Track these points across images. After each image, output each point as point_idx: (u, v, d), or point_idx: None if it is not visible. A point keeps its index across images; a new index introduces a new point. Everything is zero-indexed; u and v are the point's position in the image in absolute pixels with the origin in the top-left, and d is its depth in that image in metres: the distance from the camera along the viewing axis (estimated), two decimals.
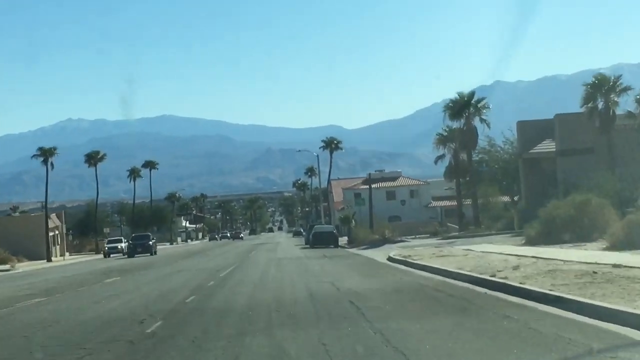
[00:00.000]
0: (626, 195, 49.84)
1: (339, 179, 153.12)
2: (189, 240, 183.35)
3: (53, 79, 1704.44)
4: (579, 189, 47.71)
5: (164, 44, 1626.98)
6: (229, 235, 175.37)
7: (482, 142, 78.61)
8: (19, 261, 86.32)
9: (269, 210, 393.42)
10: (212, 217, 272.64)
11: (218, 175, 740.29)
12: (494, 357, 11.18)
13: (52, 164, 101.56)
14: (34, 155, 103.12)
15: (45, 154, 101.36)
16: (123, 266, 54.73)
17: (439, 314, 15.76)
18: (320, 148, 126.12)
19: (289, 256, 52.87)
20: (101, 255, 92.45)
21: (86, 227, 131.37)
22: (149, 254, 76.42)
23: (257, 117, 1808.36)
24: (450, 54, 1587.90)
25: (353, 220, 79.58)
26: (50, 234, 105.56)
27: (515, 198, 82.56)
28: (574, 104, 63.47)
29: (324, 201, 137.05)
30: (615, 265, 22.17)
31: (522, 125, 67.11)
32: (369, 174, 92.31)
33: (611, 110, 57.90)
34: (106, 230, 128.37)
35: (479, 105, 72.13)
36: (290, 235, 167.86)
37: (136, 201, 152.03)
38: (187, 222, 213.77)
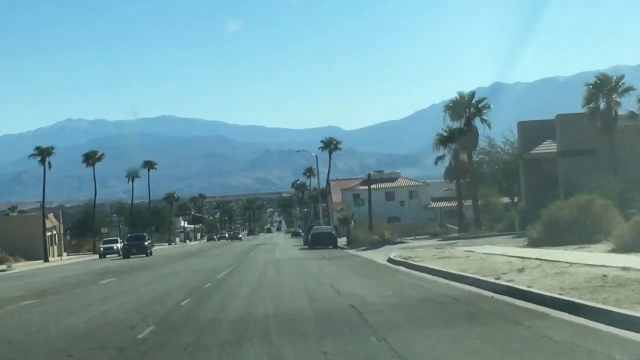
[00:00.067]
0: (628, 196, 49.22)
1: (337, 179, 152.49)
2: (187, 241, 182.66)
3: (52, 79, 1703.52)
4: (581, 190, 47.17)
5: (163, 44, 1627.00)
6: (227, 235, 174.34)
7: (482, 142, 78.07)
8: (16, 261, 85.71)
9: (268, 211, 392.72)
10: (210, 218, 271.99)
11: (217, 176, 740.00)
12: None
13: (49, 163, 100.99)
14: (31, 155, 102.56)
15: (43, 153, 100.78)
16: (119, 267, 54.00)
17: (445, 319, 15.01)
18: (319, 148, 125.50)
19: (288, 257, 52.16)
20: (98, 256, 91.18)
21: (84, 227, 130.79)
22: (144, 255, 74.88)
23: (255, 117, 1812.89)
24: (449, 55, 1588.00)
25: (352, 221, 78.85)
26: (48, 233, 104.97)
27: (515, 199, 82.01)
28: (572, 106, 63.20)
29: (323, 202, 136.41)
30: (624, 269, 21.49)
31: (523, 126, 66.50)
32: (369, 173, 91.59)
33: (613, 111, 57.49)
34: (104, 230, 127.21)
35: (479, 106, 71.53)
36: (289, 236, 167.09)
37: (135, 201, 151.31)
38: (186, 222, 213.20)
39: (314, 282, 26.68)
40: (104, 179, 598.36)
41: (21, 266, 78.90)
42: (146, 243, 78.97)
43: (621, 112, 57.77)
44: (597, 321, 13.51)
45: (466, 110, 71.05)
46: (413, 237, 72.50)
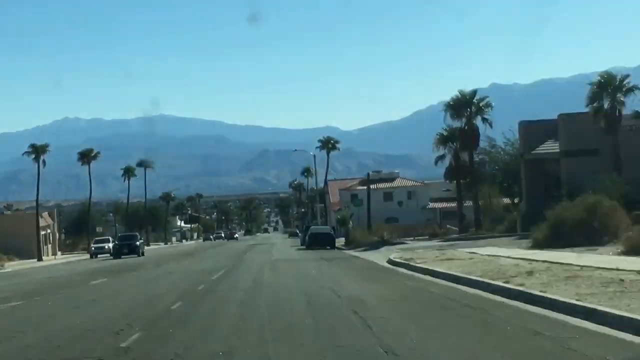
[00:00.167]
0: (633, 197, 48.08)
1: (335, 179, 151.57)
2: (183, 240, 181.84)
3: (50, 77, 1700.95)
4: (584, 191, 46.06)
5: (161, 43, 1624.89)
6: (223, 235, 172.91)
7: (482, 142, 76.79)
8: (9, 260, 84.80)
9: (265, 211, 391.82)
10: (207, 218, 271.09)
11: (214, 176, 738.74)
12: None
13: (44, 161, 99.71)
14: (25, 153, 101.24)
15: (37, 151, 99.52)
16: (113, 267, 52.76)
17: (456, 327, 13.76)
18: (316, 148, 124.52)
19: (285, 258, 50.94)
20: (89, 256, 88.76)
21: (80, 226, 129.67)
22: (135, 255, 72.18)
23: (253, 117, 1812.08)
24: (447, 56, 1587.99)
25: (350, 222, 77.70)
26: (42, 232, 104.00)
27: (516, 200, 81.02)
28: (570, 108, 62.55)
29: (321, 202, 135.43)
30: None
31: (524, 126, 65.32)
32: (368, 173, 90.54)
33: (617, 110, 56.30)
34: (99, 229, 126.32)
35: (480, 105, 70.27)
36: (286, 236, 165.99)
37: (132, 201, 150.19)
38: (182, 222, 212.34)
39: (313, 285, 25.38)
40: (102, 178, 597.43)
41: (14, 265, 78.04)
42: (138, 243, 76.38)
43: (625, 111, 56.68)
44: (622, 330, 12.38)
45: (467, 109, 69.79)
46: (412, 238, 71.35)
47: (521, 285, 19.57)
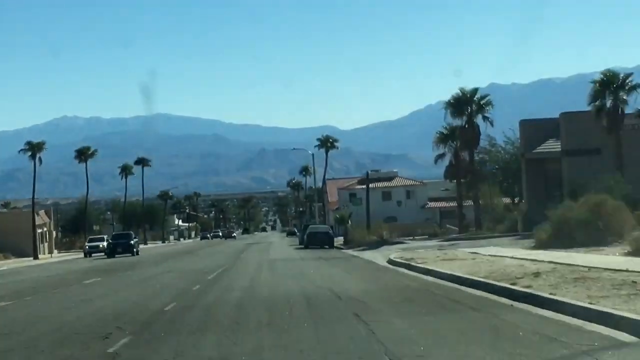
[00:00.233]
0: (636, 197, 47.33)
1: (334, 178, 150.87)
2: (181, 239, 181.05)
3: (48, 75, 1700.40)
4: (586, 190, 45.34)
5: (159, 42, 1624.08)
6: (220, 234, 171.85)
7: (482, 141, 76.05)
8: (5, 258, 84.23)
9: (263, 209, 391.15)
10: (205, 216, 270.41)
11: (212, 175, 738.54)
12: None
13: (40, 158, 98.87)
14: (21, 150, 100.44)
15: (33, 148, 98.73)
16: (107, 266, 51.92)
17: (464, 332, 12.92)
18: (315, 147, 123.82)
19: (283, 257, 50.12)
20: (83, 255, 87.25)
21: (78, 225, 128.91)
22: (130, 255, 70.47)
23: (251, 116, 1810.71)
24: (446, 55, 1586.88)
25: (349, 221, 76.90)
26: (39, 230, 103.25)
27: (516, 199, 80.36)
28: (568, 107, 61.85)
29: (319, 201, 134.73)
30: None
31: (525, 125, 64.63)
32: (367, 172, 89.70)
33: (620, 109, 55.57)
34: (96, 227, 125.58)
35: (481, 103, 69.41)
36: (284, 235, 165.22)
37: (131, 199, 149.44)
38: (180, 220, 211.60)
39: (312, 285, 24.52)
40: (100, 177, 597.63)
41: (10, 263, 77.37)
42: (132, 242, 74.34)
43: (628, 110, 55.98)
44: None
45: (468, 107, 68.94)
46: (411, 238, 70.57)
47: (528, 287, 18.81)
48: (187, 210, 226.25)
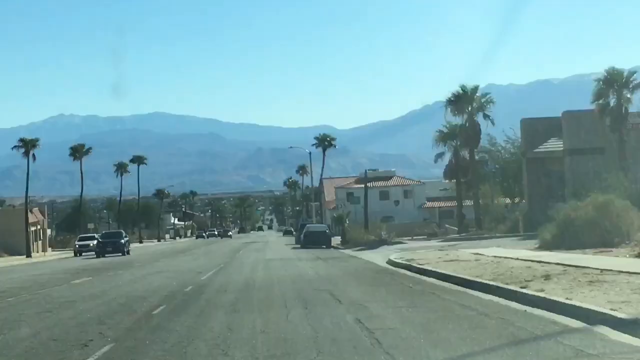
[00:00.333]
0: (637, 197, 46.20)
1: (331, 177, 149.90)
2: (177, 238, 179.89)
3: (45, 73, 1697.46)
4: (589, 190, 44.24)
5: (157, 41, 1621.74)
6: (216, 233, 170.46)
7: (482, 140, 74.88)
8: None
9: (260, 209, 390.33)
10: (201, 215, 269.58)
11: (209, 174, 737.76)
12: None
13: (33, 155, 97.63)
14: (14, 147, 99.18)
15: (27, 145, 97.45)
16: (100, 265, 50.58)
17: (480, 342, 11.59)
18: (313, 145, 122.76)
19: (279, 257, 48.89)
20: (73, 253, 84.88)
21: (73, 223, 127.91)
22: (120, 254, 68.12)
23: (248, 116, 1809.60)
24: (444, 56, 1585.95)
25: (347, 220, 75.72)
26: (32, 228, 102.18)
27: (516, 199, 79.35)
28: (566, 108, 61.20)
29: (316, 200, 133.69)
30: None
31: (527, 123, 63.54)
32: (365, 171, 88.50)
33: (624, 108, 54.63)
34: (90, 225, 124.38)
35: (482, 101, 68.27)
36: (281, 234, 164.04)
37: (127, 198, 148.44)
38: (176, 219, 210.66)
39: (310, 287, 23.23)
40: (97, 175, 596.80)
41: (1, 262, 75.98)
42: (123, 241, 71.66)
43: (632, 109, 54.99)
44: None
45: (468, 105, 67.76)
46: (410, 238, 69.45)
47: (541, 290, 17.61)
48: (184, 209, 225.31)
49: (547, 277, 20.85)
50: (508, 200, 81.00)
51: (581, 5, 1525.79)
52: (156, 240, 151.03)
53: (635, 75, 55.53)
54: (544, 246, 36.74)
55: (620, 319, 12.83)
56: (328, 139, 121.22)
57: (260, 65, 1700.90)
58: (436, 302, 17.92)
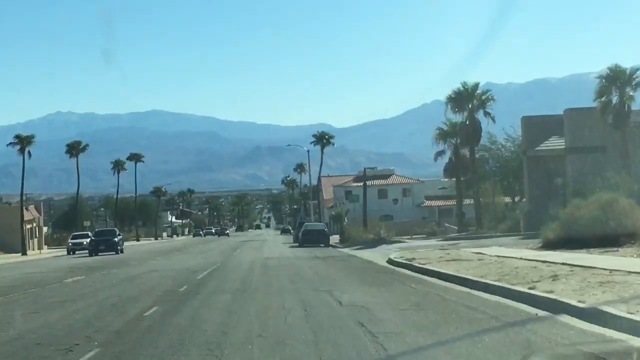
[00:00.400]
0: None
1: (329, 176, 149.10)
2: (174, 236, 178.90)
3: (43, 70, 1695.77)
4: (590, 189, 43.53)
5: (155, 38, 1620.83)
6: (213, 231, 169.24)
7: (482, 138, 74.03)
8: None
9: (257, 207, 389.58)
10: (199, 213, 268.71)
11: (207, 172, 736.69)
12: None
13: (29, 152, 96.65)
14: (10, 144, 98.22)
15: (22, 142, 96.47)
16: (94, 263, 49.73)
17: (494, 350, 10.77)
18: (311, 143, 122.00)
19: (277, 256, 48.07)
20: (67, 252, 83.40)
21: (70, 221, 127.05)
22: (113, 253, 66.46)
23: (246, 114, 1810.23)
24: (441, 54, 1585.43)
25: (345, 218, 74.92)
26: (28, 226, 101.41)
27: (516, 198, 78.61)
28: (563, 107, 60.47)
29: (314, 199, 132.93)
30: None
31: (527, 121, 62.75)
32: (364, 169, 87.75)
33: (626, 106, 53.83)
34: (86, 223, 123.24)
35: (483, 98, 67.40)
36: (278, 232, 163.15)
37: (125, 196, 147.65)
38: (174, 217, 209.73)
39: (309, 288, 22.37)
40: (95, 173, 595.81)
41: None
42: (116, 239, 69.67)
43: (635, 107, 54.26)
44: None
45: (469, 102, 66.90)
46: (409, 237, 68.74)
47: (550, 292, 16.83)
48: (181, 207, 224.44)
49: (554, 277, 20.11)
50: (508, 199, 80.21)
51: (578, 5, 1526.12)
52: (153, 239, 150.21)
53: (638, 72, 54.69)
54: (547, 245, 35.94)
55: None
56: (326, 136, 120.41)
57: (259, 64, 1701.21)
58: (441, 303, 17.11)
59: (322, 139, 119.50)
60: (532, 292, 17.35)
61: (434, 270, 26.38)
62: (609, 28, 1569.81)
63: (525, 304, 16.25)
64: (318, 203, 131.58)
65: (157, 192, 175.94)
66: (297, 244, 68.99)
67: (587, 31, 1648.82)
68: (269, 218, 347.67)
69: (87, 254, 67.67)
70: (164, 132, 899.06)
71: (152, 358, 11.44)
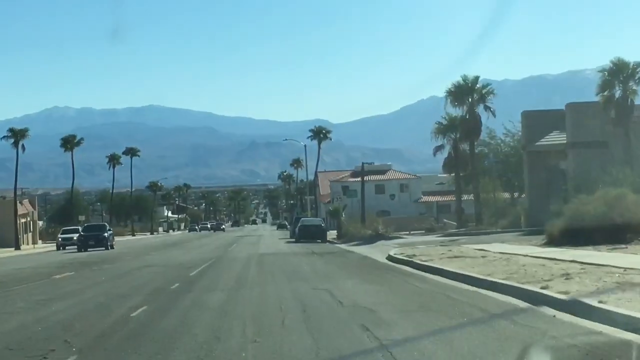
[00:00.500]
0: None
1: (326, 171, 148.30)
2: (170, 231, 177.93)
3: (40, 65, 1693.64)
4: (592, 185, 42.60)
5: (152, 34, 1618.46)
6: (209, 226, 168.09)
7: (482, 133, 72.98)
8: None
9: (254, 202, 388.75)
10: (195, 208, 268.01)
11: (203, 167, 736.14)
12: None
13: (23, 146, 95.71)
14: (3, 137, 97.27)
15: (16, 135, 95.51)
16: (86, 258, 48.60)
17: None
18: (308, 138, 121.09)
19: (273, 251, 46.98)
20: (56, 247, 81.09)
21: (65, 215, 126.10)
22: (103, 248, 64.42)
23: (243, 109, 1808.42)
24: (438, 51, 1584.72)
25: (343, 214, 73.80)
26: (22, 220, 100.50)
27: (516, 194, 77.70)
28: (560, 103, 59.45)
29: (310, 194, 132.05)
30: None
31: (528, 116, 61.75)
32: (362, 163, 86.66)
33: (629, 100, 52.86)
34: (81, 218, 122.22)
35: (483, 92, 66.29)
36: (274, 228, 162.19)
37: (121, 190, 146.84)
38: (170, 212, 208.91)
39: (307, 286, 21.18)
40: (92, 168, 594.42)
41: None
42: (106, 234, 67.68)
43: (637, 101, 53.29)
44: None
45: (469, 96, 65.78)
46: (407, 232, 67.66)
47: (565, 292, 15.71)
48: (177, 202, 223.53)
49: (566, 276, 19.02)
50: (507, 195, 79.24)
51: (575, 1, 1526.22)
52: (149, 233, 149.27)
53: None
54: (551, 242, 34.87)
55: None
56: (324, 131, 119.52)
57: (256, 59, 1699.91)
58: (449, 304, 15.94)
59: (320, 133, 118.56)
60: (545, 292, 16.25)
61: (437, 268, 25.31)
62: (606, 25, 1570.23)
63: (539, 304, 15.15)
64: (315, 198, 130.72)
65: (153, 186, 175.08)
66: (293, 240, 67.95)
67: (584, 28, 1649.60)
68: (265, 213, 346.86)
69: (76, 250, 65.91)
70: (161, 127, 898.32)
71: None
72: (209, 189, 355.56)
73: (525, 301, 16.02)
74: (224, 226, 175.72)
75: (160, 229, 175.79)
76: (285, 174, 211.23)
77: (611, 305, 13.42)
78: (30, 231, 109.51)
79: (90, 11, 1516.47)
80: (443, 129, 72.61)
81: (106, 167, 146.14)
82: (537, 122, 59.79)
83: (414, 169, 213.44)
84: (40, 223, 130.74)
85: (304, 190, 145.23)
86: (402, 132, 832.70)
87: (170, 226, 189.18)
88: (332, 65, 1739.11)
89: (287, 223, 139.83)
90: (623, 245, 30.03)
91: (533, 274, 20.26)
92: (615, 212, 34.43)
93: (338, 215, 73.46)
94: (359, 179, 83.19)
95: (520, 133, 67.75)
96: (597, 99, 53.96)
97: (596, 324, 12.51)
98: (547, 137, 58.36)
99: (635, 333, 11.33)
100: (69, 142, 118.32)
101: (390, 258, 33.99)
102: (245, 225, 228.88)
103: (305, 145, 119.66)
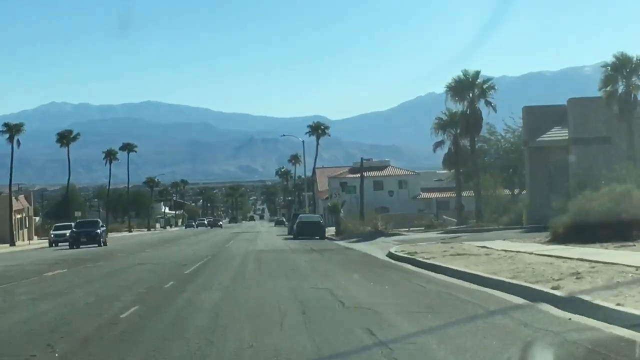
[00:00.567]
0: None
1: (324, 167, 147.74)
2: (168, 227, 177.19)
3: (37, 61, 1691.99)
4: (595, 181, 41.90)
5: (151, 30, 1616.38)
6: (206, 222, 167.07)
7: (482, 129, 72.21)
8: None
9: (251, 198, 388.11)
10: (193, 204, 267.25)
11: (201, 163, 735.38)
12: None
13: (18, 141, 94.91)
14: None
15: (11, 130, 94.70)
16: (80, 255, 47.78)
17: None
18: (306, 134, 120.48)
19: (271, 248, 46.20)
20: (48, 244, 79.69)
21: (62, 211, 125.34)
22: (95, 245, 63.06)
23: (240, 105, 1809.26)
24: (436, 48, 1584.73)
25: (341, 210, 73.00)
26: (18, 216, 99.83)
27: (516, 191, 77.02)
28: (558, 100, 59.06)
29: (308, 190, 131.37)
30: None
31: (529, 112, 61.06)
32: (362, 159, 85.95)
33: (632, 95, 52.24)
34: (77, 214, 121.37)
35: (484, 87, 65.50)
36: (272, 224, 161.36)
37: (118, 186, 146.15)
38: (167, 208, 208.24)
39: (307, 285, 20.36)
40: (89, 164, 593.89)
41: None
42: (99, 231, 66.01)
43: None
44: None
45: (470, 91, 64.98)
46: (407, 229, 66.85)
47: (580, 293, 14.91)
48: (174, 198, 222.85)
49: (577, 275, 18.20)
50: (507, 192, 78.54)
51: None
52: (146, 229, 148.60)
53: None
54: (556, 239, 34.03)
55: None
56: (322, 127, 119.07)
57: (253, 55, 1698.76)
58: (457, 305, 15.11)
59: (318, 129, 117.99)
60: (557, 293, 15.44)
61: (439, 266, 24.53)
62: (605, 22, 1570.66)
63: (550, 304, 14.37)
64: (313, 194, 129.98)
65: (150, 182, 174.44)
66: (291, 236, 67.17)
67: (583, 25, 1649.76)
68: (263, 209, 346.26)
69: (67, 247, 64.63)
70: (158, 123, 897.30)
71: None
72: (207, 185, 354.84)
73: (536, 302, 15.19)
74: (221, 222, 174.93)
75: (158, 225, 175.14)
76: (283, 170, 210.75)
77: (630, 307, 12.63)
78: (25, 227, 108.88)
79: (89, 7, 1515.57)
80: (443, 125, 71.87)
81: (103, 163, 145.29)
82: (538, 117, 59.21)
83: (412, 165, 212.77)
84: (37, 219, 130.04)
85: (301, 187, 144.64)
86: (401, 129, 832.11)
87: (167, 222, 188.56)
88: (331, 62, 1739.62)
89: (284, 219, 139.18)
90: (630, 243, 29.30)
91: (541, 272, 19.48)
92: (621, 208, 33.71)
93: (337, 211, 72.64)
94: (357, 175, 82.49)
95: (520, 129, 67.03)
96: (598, 94, 53.41)
97: (615, 326, 11.70)
98: (549, 133, 57.72)
99: (630, 328, 10.59)
100: (65, 138, 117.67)
101: (391, 255, 33.23)
102: (243, 222, 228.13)
103: (303, 142, 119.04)
